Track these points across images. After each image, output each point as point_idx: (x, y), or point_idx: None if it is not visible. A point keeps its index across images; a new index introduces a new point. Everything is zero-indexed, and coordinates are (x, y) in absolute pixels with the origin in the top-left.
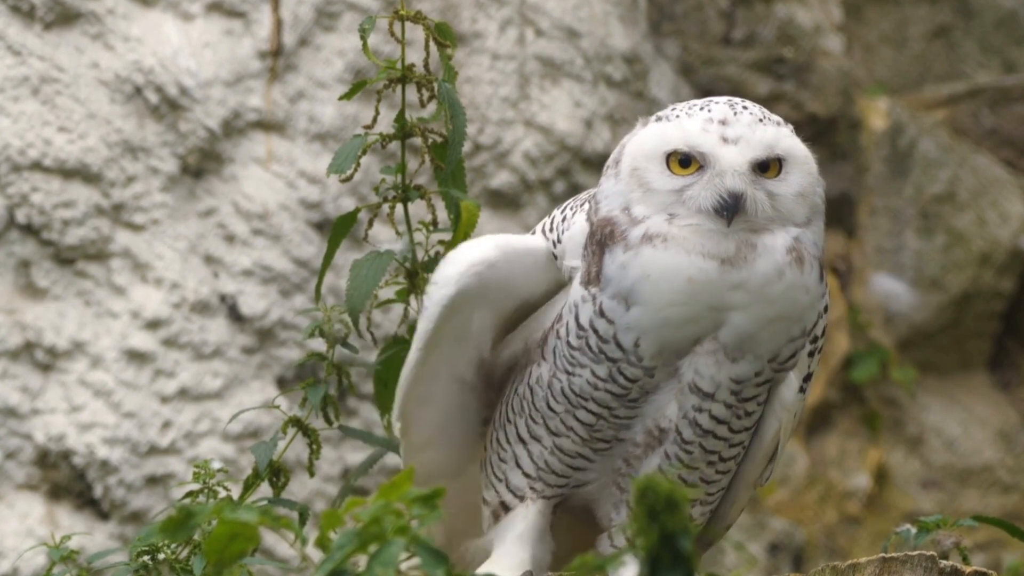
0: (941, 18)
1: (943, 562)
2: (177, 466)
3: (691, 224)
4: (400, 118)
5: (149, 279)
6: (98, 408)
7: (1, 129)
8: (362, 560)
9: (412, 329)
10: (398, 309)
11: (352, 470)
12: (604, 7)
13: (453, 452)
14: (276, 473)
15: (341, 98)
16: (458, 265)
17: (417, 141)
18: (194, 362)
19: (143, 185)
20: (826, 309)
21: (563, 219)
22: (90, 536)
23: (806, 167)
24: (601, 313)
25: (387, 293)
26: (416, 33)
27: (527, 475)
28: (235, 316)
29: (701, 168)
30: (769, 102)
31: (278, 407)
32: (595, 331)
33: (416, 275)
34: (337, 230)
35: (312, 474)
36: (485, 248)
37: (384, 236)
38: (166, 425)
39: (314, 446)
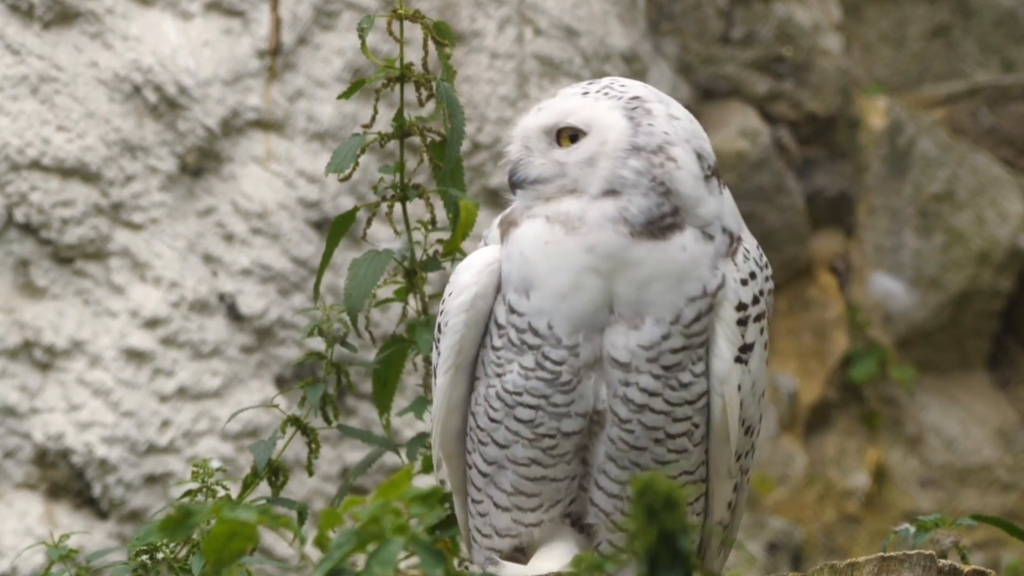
0: (940, 17)
1: (942, 561)
2: (176, 465)
3: (530, 199)
4: (399, 117)
5: (148, 278)
6: (97, 407)
7: (0, 128)
8: (361, 559)
9: (411, 329)
10: (397, 308)
11: (351, 469)
12: (603, 6)
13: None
14: (275, 472)
15: (340, 97)
16: (471, 270)
17: (416, 140)
18: (193, 361)
19: (142, 184)
20: (752, 276)
21: None
22: (89, 535)
23: (602, 137)
24: (512, 310)
25: (386, 292)
26: (415, 32)
27: (505, 509)
28: (234, 315)
29: None
30: (768, 101)
31: (277, 406)
32: (513, 326)
33: (415, 274)
34: (336, 229)
35: (311, 473)
36: (493, 250)
37: (383, 235)
38: (165, 424)
39: (313, 445)
